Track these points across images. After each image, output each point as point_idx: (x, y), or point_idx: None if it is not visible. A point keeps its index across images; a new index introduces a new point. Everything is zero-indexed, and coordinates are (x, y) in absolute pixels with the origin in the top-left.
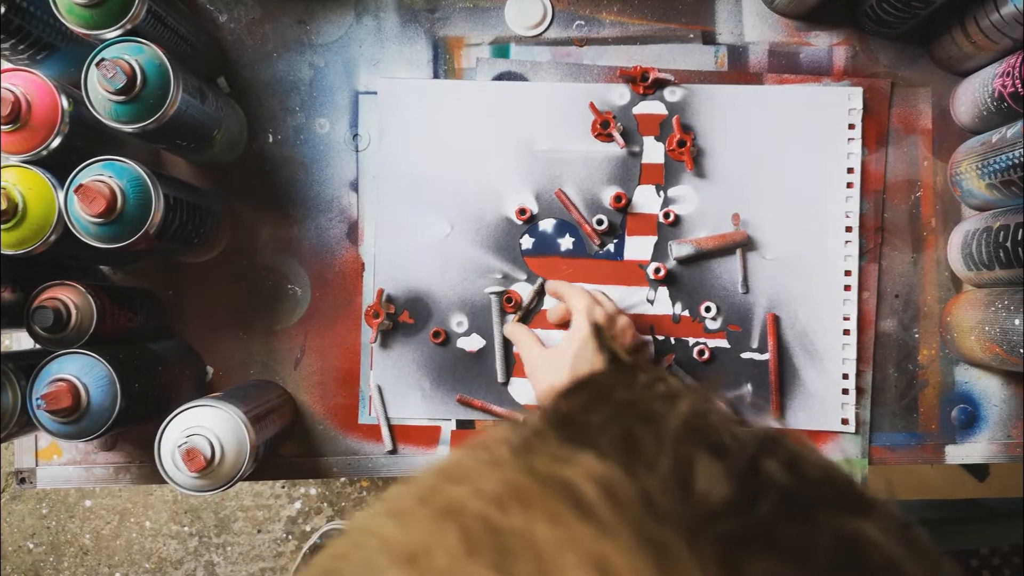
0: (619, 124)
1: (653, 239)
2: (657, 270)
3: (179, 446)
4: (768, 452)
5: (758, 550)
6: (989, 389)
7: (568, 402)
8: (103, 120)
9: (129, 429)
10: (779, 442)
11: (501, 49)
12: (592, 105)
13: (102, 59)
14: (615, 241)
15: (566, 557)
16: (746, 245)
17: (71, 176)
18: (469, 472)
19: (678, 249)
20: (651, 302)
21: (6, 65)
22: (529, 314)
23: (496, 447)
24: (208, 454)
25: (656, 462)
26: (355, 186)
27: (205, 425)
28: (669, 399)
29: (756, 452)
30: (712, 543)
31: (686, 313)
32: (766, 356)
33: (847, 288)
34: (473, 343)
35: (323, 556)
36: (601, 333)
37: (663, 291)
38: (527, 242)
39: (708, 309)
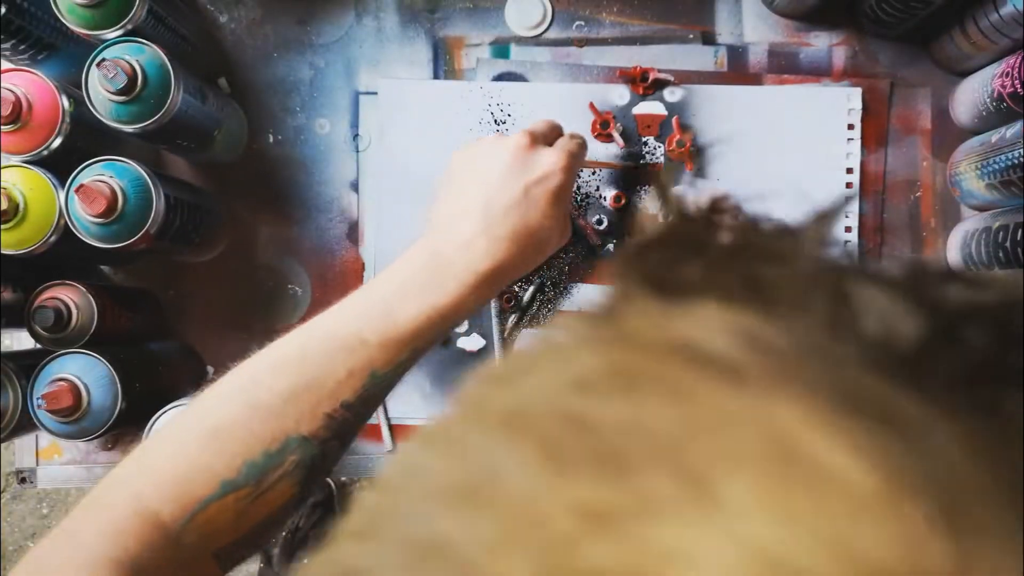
0: (619, 124)
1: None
2: None
3: None
4: (939, 277)
5: (1004, 383)
6: None
7: (650, 258)
8: (104, 120)
9: (130, 429)
10: (938, 266)
11: (501, 49)
12: (592, 105)
13: (103, 59)
14: (615, 241)
15: (713, 440)
16: None
17: (72, 176)
18: (529, 366)
19: None
20: None
21: (7, 65)
22: (526, 314)
23: (561, 331)
24: None
25: (804, 303)
26: (355, 186)
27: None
28: (788, 233)
29: (925, 278)
30: (938, 388)
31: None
32: None
33: None
34: (473, 343)
35: (352, 514)
36: (664, 186)
37: None
38: None
39: None
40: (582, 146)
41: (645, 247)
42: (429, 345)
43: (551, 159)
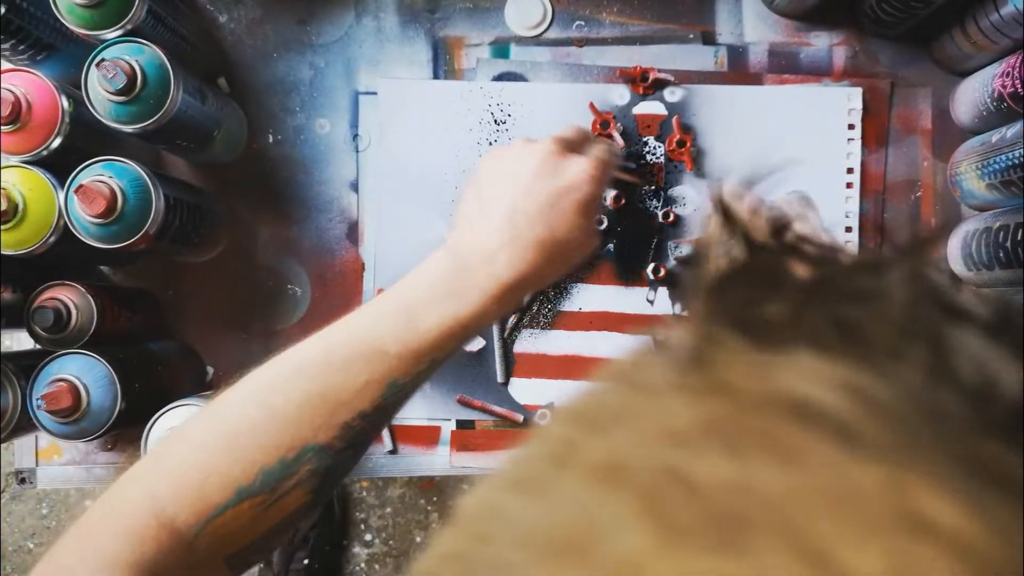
0: (619, 124)
1: (653, 239)
2: (656, 270)
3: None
4: None
5: None
6: None
7: (730, 295)
8: (103, 120)
9: (129, 429)
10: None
11: (501, 49)
12: (592, 105)
13: (102, 59)
14: (615, 241)
15: (836, 510)
16: None
17: (71, 176)
18: (620, 412)
19: (678, 249)
20: (651, 302)
21: (6, 65)
22: (526, 314)
23: (648, 370)
24: None
25: (900, 349)
26: (355, 186)
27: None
28: (870, 267)
29: (1015, 318)
30: None
31: (686, 313)
32: None
33: None
34: (473, 343)
35: (430, 558)
36: (727, 207)
37: (663, 291)
38: None
39: None
40: (613, 154)
41: (723, 282)
42: (448, 355)
43: (581, 168)
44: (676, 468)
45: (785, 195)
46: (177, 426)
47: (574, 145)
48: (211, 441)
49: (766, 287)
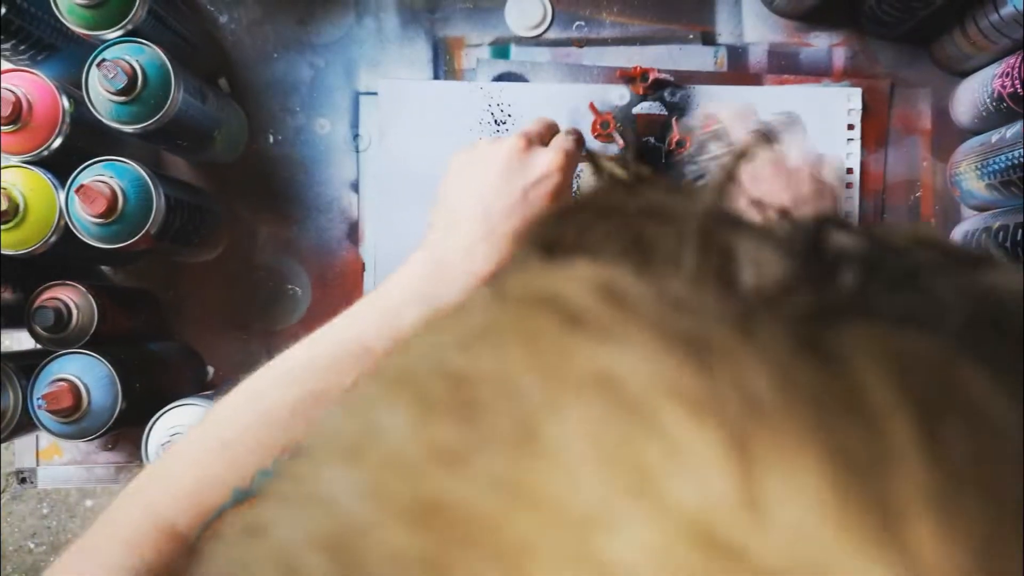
0: (619, 125)
1: None
2: None
3: (162, 445)
4: (832, 226)
5: (848, 320)
6: None
7: (558, 224)
8: (104, 120)
9: (130, 429)
10: (842, 218)
11: (501, 50)
12: (592, 105)
13: (103, 59)
14: None
15: (548, 383)
16: None
17: (72, 176)
18: (426, 330)
19: None
20: None
21: (7, 65)
22: None
23: (463, 296)
24: None
25: (678, 257)
26: (355, 186)
27: (190, 424)
28: (691, 193)
29: (815, 228)
30: (775, 326)
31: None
32: None
33: None
34: None
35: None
36: (593, 154)
37: None
38: None
39: None
40: (579, 142)
41: (559, 214)
42: None
43: (548, 160)
44: (453, 369)
45: (774, 114)
46: (173, 441)
47: (540, 138)
48: (205, 449)
49: (595, 218)
